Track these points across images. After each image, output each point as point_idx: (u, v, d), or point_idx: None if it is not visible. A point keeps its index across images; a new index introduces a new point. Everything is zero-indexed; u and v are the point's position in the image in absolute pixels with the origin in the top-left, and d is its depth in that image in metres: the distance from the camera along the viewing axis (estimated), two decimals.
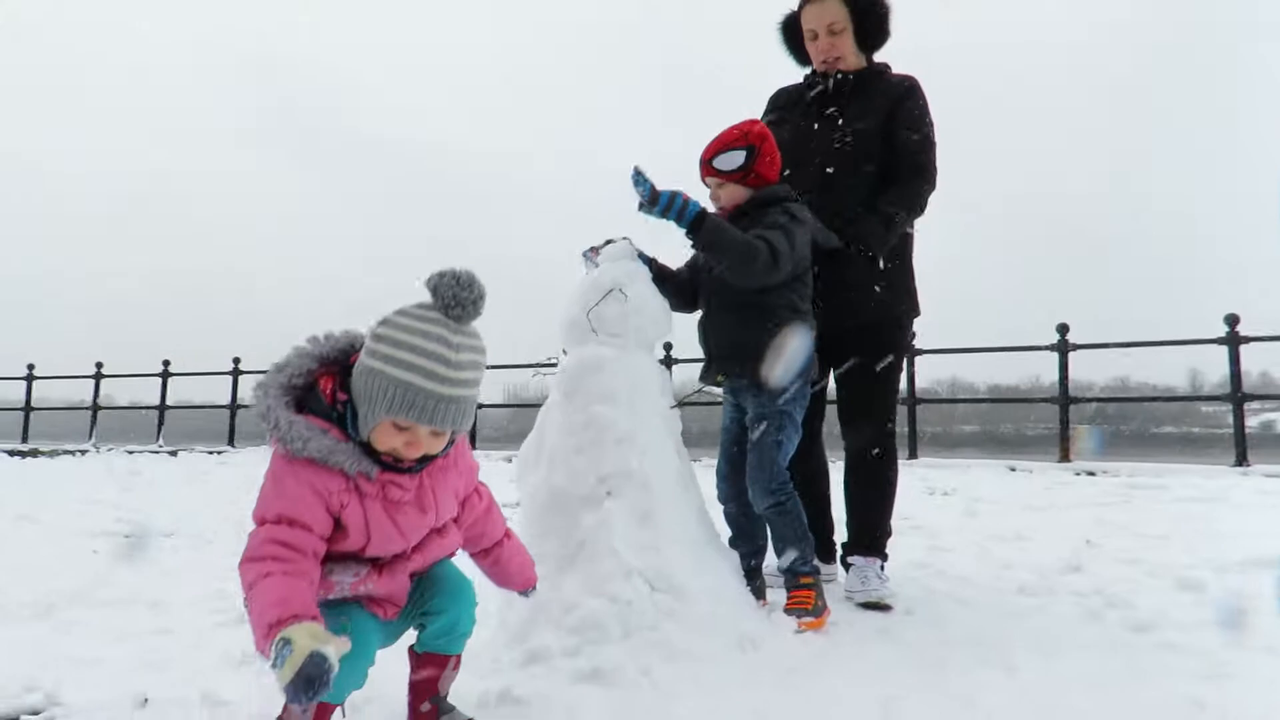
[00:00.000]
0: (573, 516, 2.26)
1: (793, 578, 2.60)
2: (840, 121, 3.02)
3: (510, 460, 2.37)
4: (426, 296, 1.50)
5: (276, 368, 1.53)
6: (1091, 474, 7.80)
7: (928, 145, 2.99)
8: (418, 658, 1.75)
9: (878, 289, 2.94)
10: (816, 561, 2.70)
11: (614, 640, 2.06)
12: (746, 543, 2.78)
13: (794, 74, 3.29)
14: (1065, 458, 9.03)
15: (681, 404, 2.64)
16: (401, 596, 1.64)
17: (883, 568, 2.95)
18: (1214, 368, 9.07)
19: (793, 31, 3.21)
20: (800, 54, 3.22)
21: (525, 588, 1.90)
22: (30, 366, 15.24)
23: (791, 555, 2.60)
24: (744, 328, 2.63)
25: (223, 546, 4.11)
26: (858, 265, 2.90)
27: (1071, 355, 9.60)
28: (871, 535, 3.00)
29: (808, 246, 2.68)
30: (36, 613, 2.80)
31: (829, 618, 2.54)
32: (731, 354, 2.68)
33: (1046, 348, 9.68)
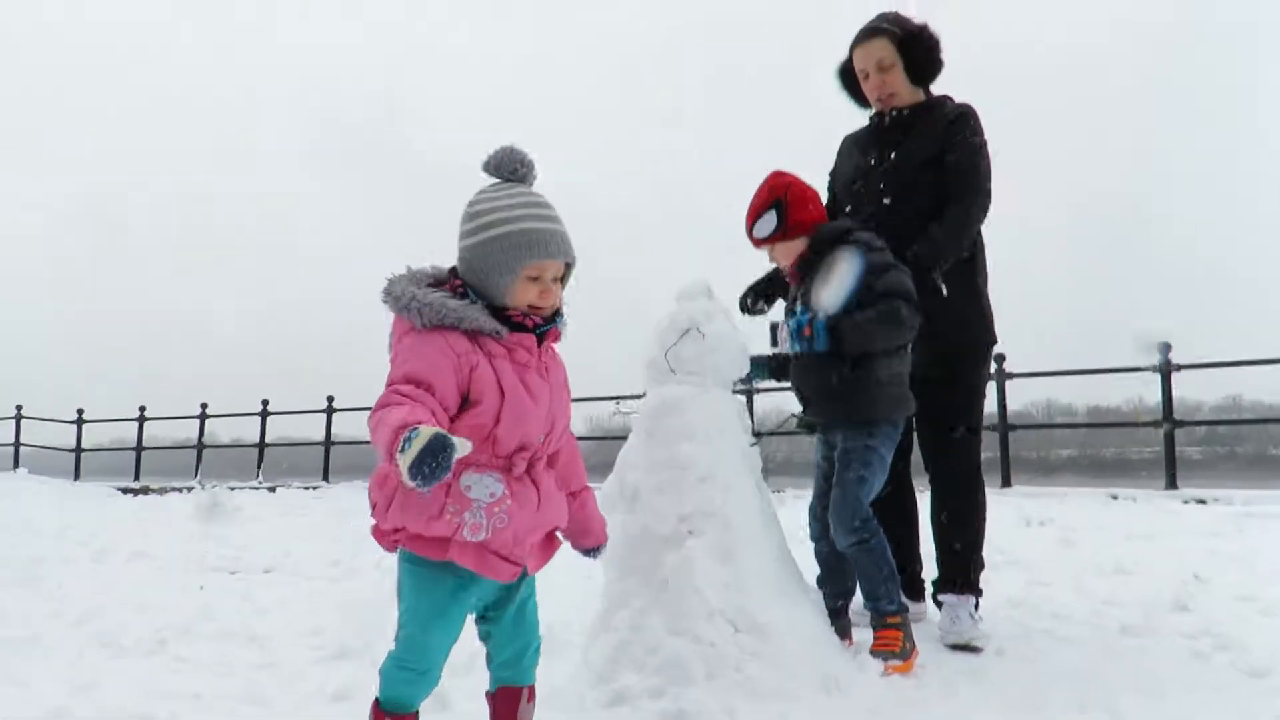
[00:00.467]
0: (655, 556, 2.28)
1: (879, 617, 2.55)
2: (894, 156, 3.05)
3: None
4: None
5: (399, 275, 1.68)
6: (1201, 501, 7.40)
7: (974, 168, 2.96)
8: (493, 698, 1.79)
9: (947, 318, 2.87)
10: (904, 599, 2.65)
11: (697, 681, 2.06)
12: (836, 583, 2.75)
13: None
14: (1172, 484, 8.60)
15: (761, 436, 2.65)
16: (524, 544, 1.66)
17: (977, 605, 2.87)
18: None
19: (849, 77, 3.26)
20: (859, 97, 3.27)
21: (600, 543, 1.91)
22: (142, 408, 16.11)
23: (877, 594, 2.56)
24: (834, 370, 2.63)
25: (318, 583, 4.27)
26: (925, 295, 2.85)
27: (1178, 375, 9.17)
28: (961, 571, 2.92)
29: None
30: (151, 647, 2.96)
31: (917, 659, 2.49)
32: (827, 395, 2.68)
33: (1148, 368, 9.27)
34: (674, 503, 2.29)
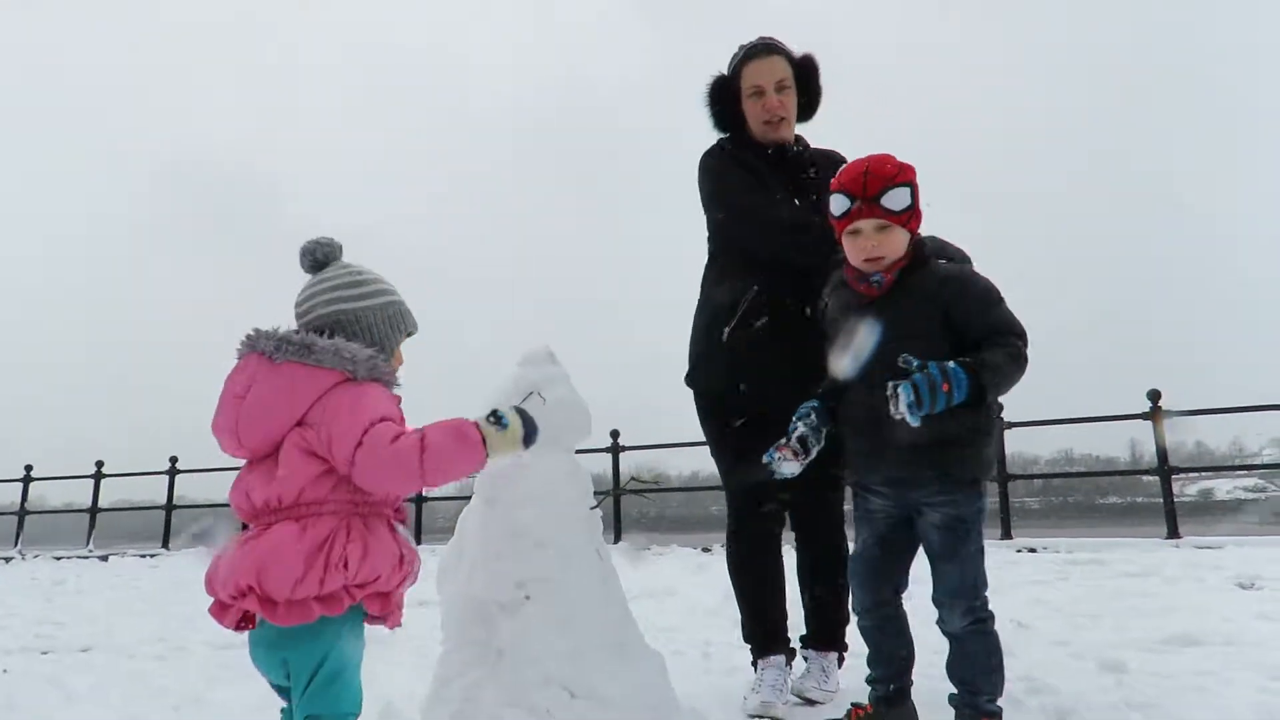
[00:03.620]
0: (491, 624, 2.23)
1: (975, 715, 2.29)
2: (815, 198, 2.81)
3: None
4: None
5: (290, 331, 1.80)
6: (1033, 550, 7.91)
7: None
8: None
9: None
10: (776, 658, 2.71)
11: None
12: (888, 664, 2.49)
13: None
14: (1007, 534, 9.15)
15: (602, 499, 2.65)
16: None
17: (841, 660, 2.92)
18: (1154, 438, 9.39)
19: (726, 93, 2.95)
20: (726, 117, 2.97)
21: None
22: None
23: (979, 687, 2.29)
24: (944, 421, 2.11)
25: (140, 663, 3.96)
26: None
27: (1013, 432, 9.88)
28: (823, 626, 2.94)
29: None
30: None
31: None
32: (922, 449, 2.18)
33: None
34: (512, 569, 2.26)
